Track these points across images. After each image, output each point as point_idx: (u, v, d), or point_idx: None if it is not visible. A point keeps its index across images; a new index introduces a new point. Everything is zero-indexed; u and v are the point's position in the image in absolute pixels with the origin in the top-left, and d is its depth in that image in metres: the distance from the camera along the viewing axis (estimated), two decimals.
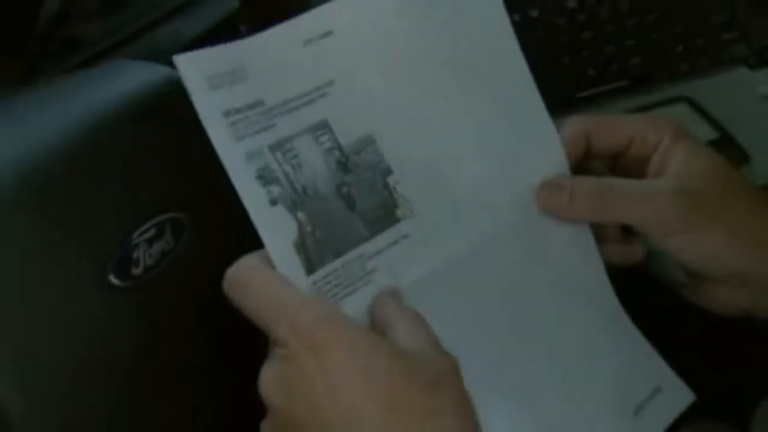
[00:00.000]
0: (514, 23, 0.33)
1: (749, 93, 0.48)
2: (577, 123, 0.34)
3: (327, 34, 0.29)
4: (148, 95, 0.31)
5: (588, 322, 0.34)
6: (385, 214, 0.30)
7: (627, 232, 0.35)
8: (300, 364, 0.24)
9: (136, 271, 0.28)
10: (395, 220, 0.30)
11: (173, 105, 0.28)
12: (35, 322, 0.25)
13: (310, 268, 0.27)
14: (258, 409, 0.26)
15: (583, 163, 0.34)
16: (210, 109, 0.26)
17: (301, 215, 0.28)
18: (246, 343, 0.27)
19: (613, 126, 0.34)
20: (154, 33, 0.45)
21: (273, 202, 0.27)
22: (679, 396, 0.35)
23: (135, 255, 0.28)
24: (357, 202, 0.29)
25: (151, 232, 0.29)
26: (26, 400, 0.25)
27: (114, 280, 0.27)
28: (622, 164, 0.34)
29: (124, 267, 0.28)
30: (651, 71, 0.50)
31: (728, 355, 0.43)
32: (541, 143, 0.33)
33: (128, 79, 0.32)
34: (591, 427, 0.33)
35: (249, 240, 0.26)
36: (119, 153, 0.29)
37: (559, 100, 0.39)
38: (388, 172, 0.30)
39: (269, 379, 0.25)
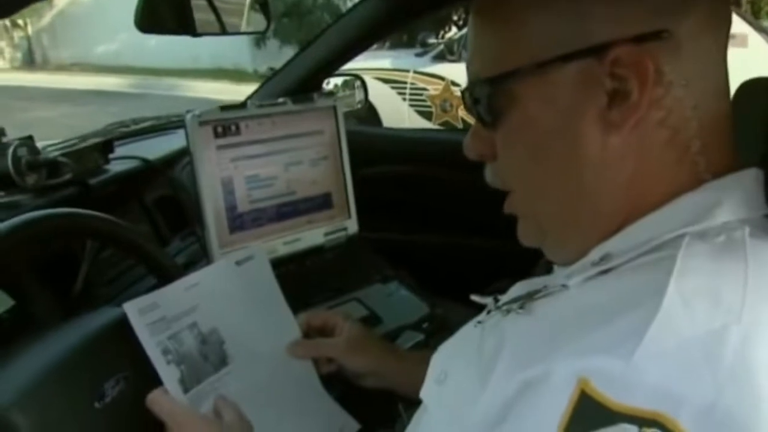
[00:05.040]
0: None
1: None
2: (301, 317, 0.74)
3: (195, 285, 0.67)
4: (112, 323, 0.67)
5: (307, 400, 0.72)
6: (220, 362, 0.66)
7: (330, 360, 0.73)
8: None
9: (107, 400, 0.62)
10: (225, 364, 0.66)
11: (125, 326, 0.64)
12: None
13: (185, 390, 0.62)
14: None
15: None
16: (139, 324, 0.62)
17: (182, 366, 0.63)
18: None
19: (319, 315, 0.75)
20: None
21: (168, 362, 0.62)
22: (353, 426, 0.72)
23: (107, 392, 0.62)
24: (209, 358, 0.65)
25: (114, 381, 0.64)
26: None
27: (97, 404, 0.61)
28: (324, 334, 0.74)
29: (102, 398, 0.62)
30: None
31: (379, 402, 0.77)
32: (290, 330, 0.73)
33: (102, 316, 0.68)
34: None
35: (158, 383, 0.61)
36: (102, 351, 0.65)
37: None
38: (222, 342, 0.67)
39: None
